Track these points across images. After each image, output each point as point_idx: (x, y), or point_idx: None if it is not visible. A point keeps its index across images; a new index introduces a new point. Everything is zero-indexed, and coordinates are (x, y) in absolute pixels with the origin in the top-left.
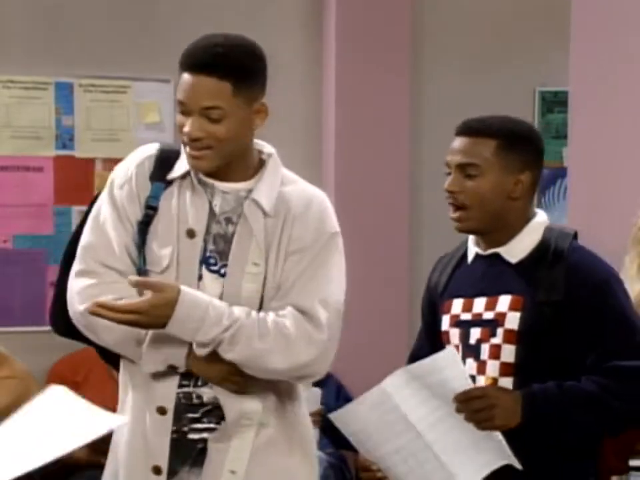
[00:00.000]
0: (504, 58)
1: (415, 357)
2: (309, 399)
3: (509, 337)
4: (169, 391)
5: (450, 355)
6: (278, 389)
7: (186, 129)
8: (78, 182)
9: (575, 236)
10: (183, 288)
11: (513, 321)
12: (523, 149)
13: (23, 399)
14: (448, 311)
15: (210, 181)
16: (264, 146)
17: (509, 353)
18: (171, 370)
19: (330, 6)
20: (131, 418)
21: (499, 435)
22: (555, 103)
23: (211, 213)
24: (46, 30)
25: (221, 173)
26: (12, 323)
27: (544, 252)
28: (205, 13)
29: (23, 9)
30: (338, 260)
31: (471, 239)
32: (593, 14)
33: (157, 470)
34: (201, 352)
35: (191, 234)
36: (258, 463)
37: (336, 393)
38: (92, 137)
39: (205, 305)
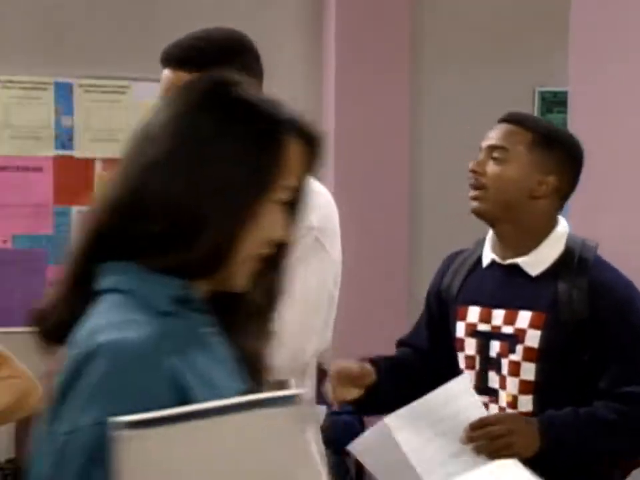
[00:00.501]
0: (503, 58)
1: (405, 343)
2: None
3: (529, 354)
4: None
5: (465, 382)
6: None
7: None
8: (77, 182)
9: (593, 247)
10: None
11: (534, 338)
12: (556, 152)
13: (23, 400)
14: (463, 318)
15: None
16: None
17: (528, 371)
18: None
19: (330, 6)
20: None
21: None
22: (554, 103)
23: None
24: (46, 30)
25: None
26: (11, 323)
27: (566, 265)
28: (204, 13)
29: (23, 9)
30: (311, 254)
31: (488, 242)
32: (593, 14)
33: None
34: None
35: None
36: None
37: None
38: (91, 137)
39: None
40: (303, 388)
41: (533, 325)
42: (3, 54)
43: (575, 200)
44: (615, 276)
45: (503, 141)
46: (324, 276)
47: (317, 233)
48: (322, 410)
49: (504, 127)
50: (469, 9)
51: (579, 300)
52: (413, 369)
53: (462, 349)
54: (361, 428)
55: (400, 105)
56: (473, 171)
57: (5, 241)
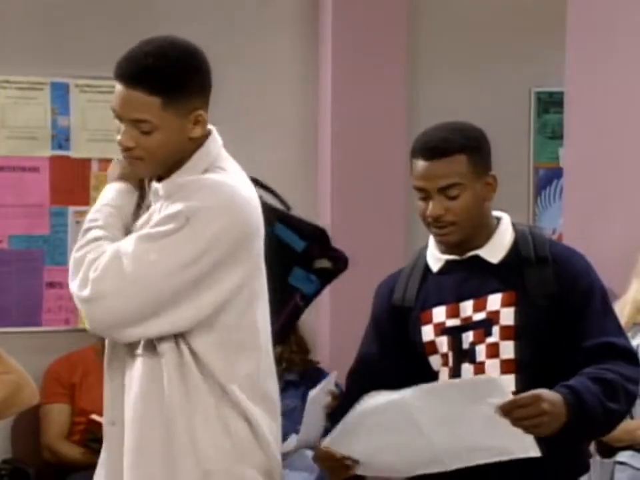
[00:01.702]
0: (500, 59)
1: (365, 361)
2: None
3: (507, 333)
4: None
5: (497, 382)
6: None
7: (118, 137)
8: (74, 182)
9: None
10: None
11: (508, 316)
12: (485, 152)
13: (15, 396)
14: (429, 321)
15: (153, 181)
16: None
17: (508, 350)
18: None
19: (326, 6)
20: None
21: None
22: (550, 103)
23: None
24: (42, 30)
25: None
26: (7, 323)
27: (522, 248)
28: (202, 14)
29: (19, 8)
30: (173, 235)
31: (433, 248)
32: (589, 15)
33: None
34: None
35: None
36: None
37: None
38: (88, 138)
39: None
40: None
41: (505, 304)
42: None
43: (571, 200)
44: (571, 249)
45: (449, 178)
46: (180, 256)
47: (181, 218)
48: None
49: (436, 164)
50: (465, 10)
51: (546, 274)
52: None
53: (434, 351)
54: None
55: (396, 105)
56: (436, 217)
57: (1, 241)
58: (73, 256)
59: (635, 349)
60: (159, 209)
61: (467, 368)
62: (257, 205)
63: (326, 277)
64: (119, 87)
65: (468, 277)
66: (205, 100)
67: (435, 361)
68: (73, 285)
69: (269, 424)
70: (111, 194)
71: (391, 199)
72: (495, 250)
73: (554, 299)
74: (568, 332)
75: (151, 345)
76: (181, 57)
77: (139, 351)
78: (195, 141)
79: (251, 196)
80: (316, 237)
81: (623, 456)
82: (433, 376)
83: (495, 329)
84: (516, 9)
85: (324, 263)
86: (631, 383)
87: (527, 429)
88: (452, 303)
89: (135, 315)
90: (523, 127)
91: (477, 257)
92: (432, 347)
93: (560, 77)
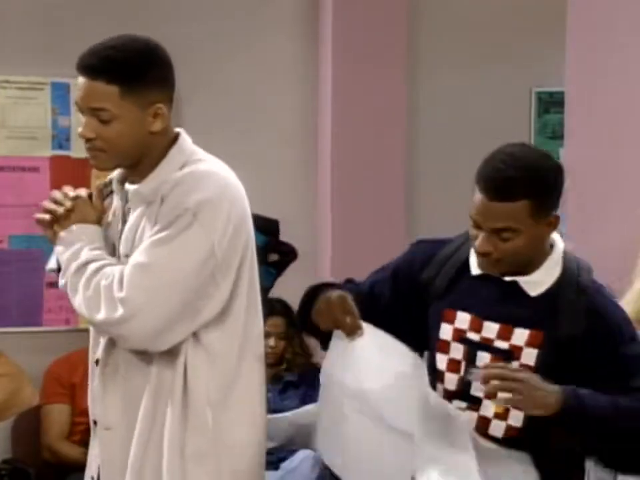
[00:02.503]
0: (500, 59)
1: (373, 291)
2: None
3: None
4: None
5: (466, 426)
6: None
7: (80, 129)
8: (74, 182)
9: (590, 270)
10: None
11: (530, 356)
12: (553, 195)
13: (15, 397)
14: (451, 322)
15: (126, 184)
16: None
17: None
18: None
19: (326, 5)
20: None
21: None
22: (550, 103)
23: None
24: (42, 30)
25: (132, 175)
26: (8, 323)
27: (565, 285)
28: (202, 14)
29: (19, 8)
30: (183, 235)
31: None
32: (589, 14)
33: None
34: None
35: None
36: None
37: None
38: None
39: (90, 239)
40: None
41: (530, 344)
42: None
43: (572, 201)
44: (611, 303)
45: (505, 222)
46: (197, 253)
47: (189, 215)
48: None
49: (497, 205)
50: (465, 10)
51: (577, 320)
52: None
53: (446, 352)
54: None
55: (397, 105)
56: (484, 253)
57: (1, 241)
58: (83, 297)
59: None
60: (155, 212)
61: (477, 385)
62: (241, 187)
63: (279, 269)
64: (81, 79)
65: (501, 300)
66: (166, 95)
67: (441, 359)
68: (99, 316)
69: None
70: (77, 237)
71: (390, 198)
72: (537, 283)
73: (575, 342)
74: (589, 377)
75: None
76: (140, 49)
77: (151, 354)
78: (157, 136)
79: (236, 180)
80: (272, 231)
81: None
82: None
83: (515, 365)
84: (516, 8)
85: (273, 257)
86: None
87: (497, 390)
88: (478, 316)
89: (168, 321)
90: (524, 127)
91: (515, 283)
92: (445, 347)
93: (560, 77)
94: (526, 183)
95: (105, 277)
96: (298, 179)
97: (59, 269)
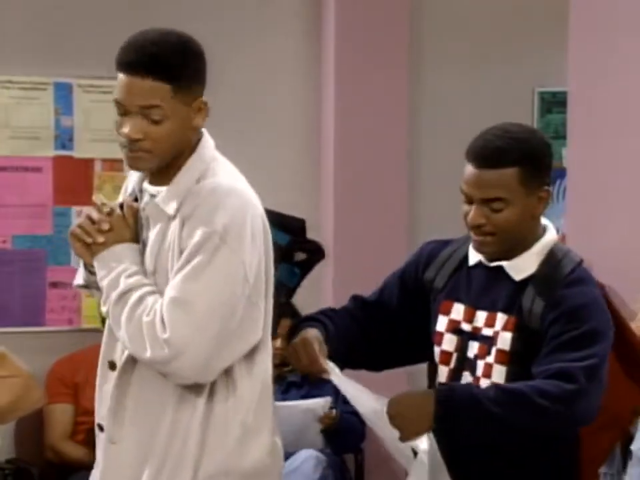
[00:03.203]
0: (503, 58)
1: (364, 300)
2: (316, 407)
3: (501, 357)
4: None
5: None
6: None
7: (125, 129)
8: (77, 182)
9: (580, 263)
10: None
11: (505, 341)
12: (543, 166)
13: (23, 399)
14: (447, 313)
15: (146, 185)
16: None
17: (499, 374)
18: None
19: (329, 4)
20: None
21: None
22: (553, 103)
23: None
24: (45, 30)
25: (155, 174)
26: (11, 323)
27: (543, 275)
28: (204, 13)
29: (22, 9)
30: (213, 260)
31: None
32: (592, 14)
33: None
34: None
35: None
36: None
37: (335, 390)
38: (91, 138)
39: (130, 260)
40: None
41: (505, 328)
42: (2, 54)
43: (574, 200)
44: (580, 293)
45: (495, 192)
46: (231, 278)
47: (216, 238)
48: (325, 401)
49: (486, 173)
50: (468, 9)
51: (543, 313)
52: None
53: (439, 343)
54: (363, 428)
55: (399, 105)
56: (475, 226)
57: (4, 241)
58: (126, 333)
59: None
60: (178, 231)
61: (467, 377)
62: (256, 198)
63: (305, 268)
64: (123, 76)
65: (490, 286)
66: (203, 87)
67: (436, 352)
68: (147, 355)
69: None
70: (117, 259)
71: (393, 198)
72: (520, 267)
73: (537, 336)
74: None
75: None
76: (183, 44)
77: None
78: (194, 132)
79: (251, 191)
80: (298, 230)
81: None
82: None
83: (493, 350)
84: (518, 8)
85: (300, 256)
86: (543, 397)
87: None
88: (470, 306)
89: (214, 351)
90: None
91: (502, 268)
92: (439, 338)
93: (563, 76)
94: (515, 151)
95: (146, 311)
96: (300, 179)
97: (85, 285)
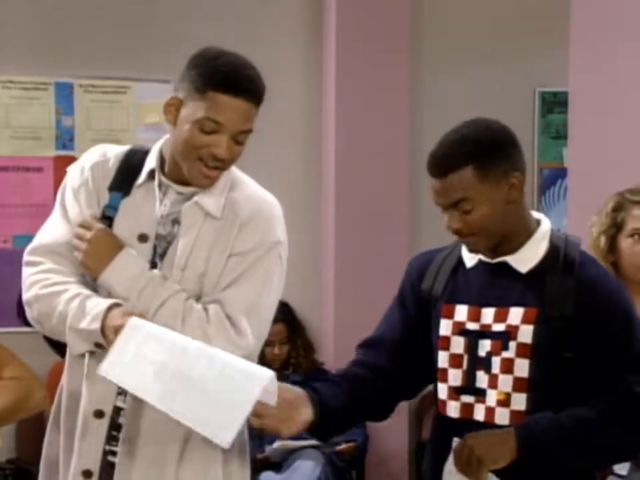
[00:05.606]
0: (504, 59)
1: (370, 344)
2: None
3: (523, 350)
4: (106, 394)
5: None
6: None
7: (220, 150)
8: None
9: (578, 243)
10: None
11: (527, 334)
12: (500, 156)
13: (25, 401)
14: (450, 316)
15: (166, 181)
16: None
17: (522, 368)
18: (97, 348)
19: (330, 5)
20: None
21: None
22: (554, 103)
23: (160, 214)
24: (46, 30)
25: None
26: (12, 323)
27: (553, 261)
28: (205, 14)
29: (23, 9)
30: (276, 269)
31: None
32: (593, 15)
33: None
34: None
35: (143, 238)
36: None
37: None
38: (92, 137)
39: (143, 265)
40: None
41: (525, 321)
42: (2, 54)
43: (575, 200)
44: (601, 273)
45: (456, 194)
46: (279, 293)
47: (280, 248)
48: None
49: (442, 181)
50: (469, 9)
51: (566, 297)
52: (368, 382)
53: (447, 348)
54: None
55: (400, 105)
56: (455, 232)
57: (5, 241)
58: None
59: None
60: (230, 236)
61: (481, 376)
62: None
63: None
64: (229, 99)
65: (494, 283)
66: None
67: (442, 357)
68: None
69: None
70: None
71: (394, 197)
72: (525, 259)
73: (570, 323)
74: (585, 357)
75: None
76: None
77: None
78: None
79: None
80: None
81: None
82: (432, 372)
83: (512, 345)
84: (520, 9)
85: None
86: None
87: (475, 471)
88: (475, 305)
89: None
90: (527, 127)
91: (505, 264)
92: (445, 343)
93: (564, 76)
94: (461, 151)
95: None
96: (302, 178)
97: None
